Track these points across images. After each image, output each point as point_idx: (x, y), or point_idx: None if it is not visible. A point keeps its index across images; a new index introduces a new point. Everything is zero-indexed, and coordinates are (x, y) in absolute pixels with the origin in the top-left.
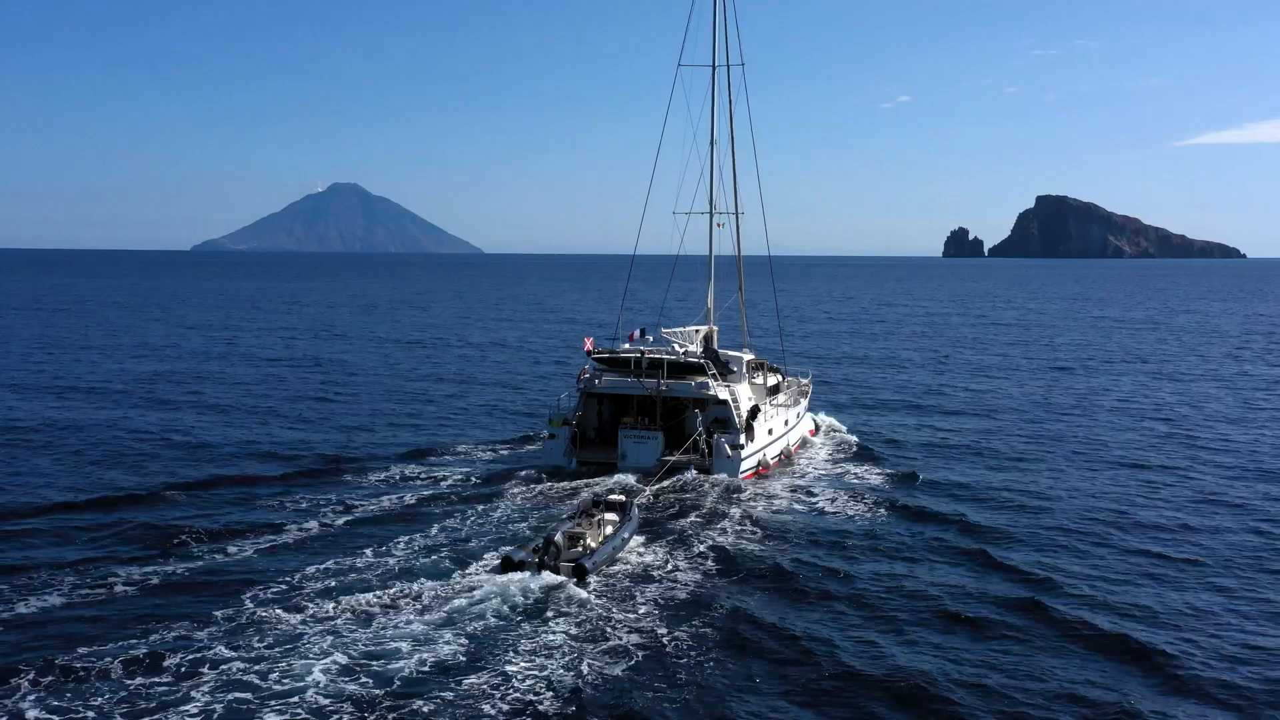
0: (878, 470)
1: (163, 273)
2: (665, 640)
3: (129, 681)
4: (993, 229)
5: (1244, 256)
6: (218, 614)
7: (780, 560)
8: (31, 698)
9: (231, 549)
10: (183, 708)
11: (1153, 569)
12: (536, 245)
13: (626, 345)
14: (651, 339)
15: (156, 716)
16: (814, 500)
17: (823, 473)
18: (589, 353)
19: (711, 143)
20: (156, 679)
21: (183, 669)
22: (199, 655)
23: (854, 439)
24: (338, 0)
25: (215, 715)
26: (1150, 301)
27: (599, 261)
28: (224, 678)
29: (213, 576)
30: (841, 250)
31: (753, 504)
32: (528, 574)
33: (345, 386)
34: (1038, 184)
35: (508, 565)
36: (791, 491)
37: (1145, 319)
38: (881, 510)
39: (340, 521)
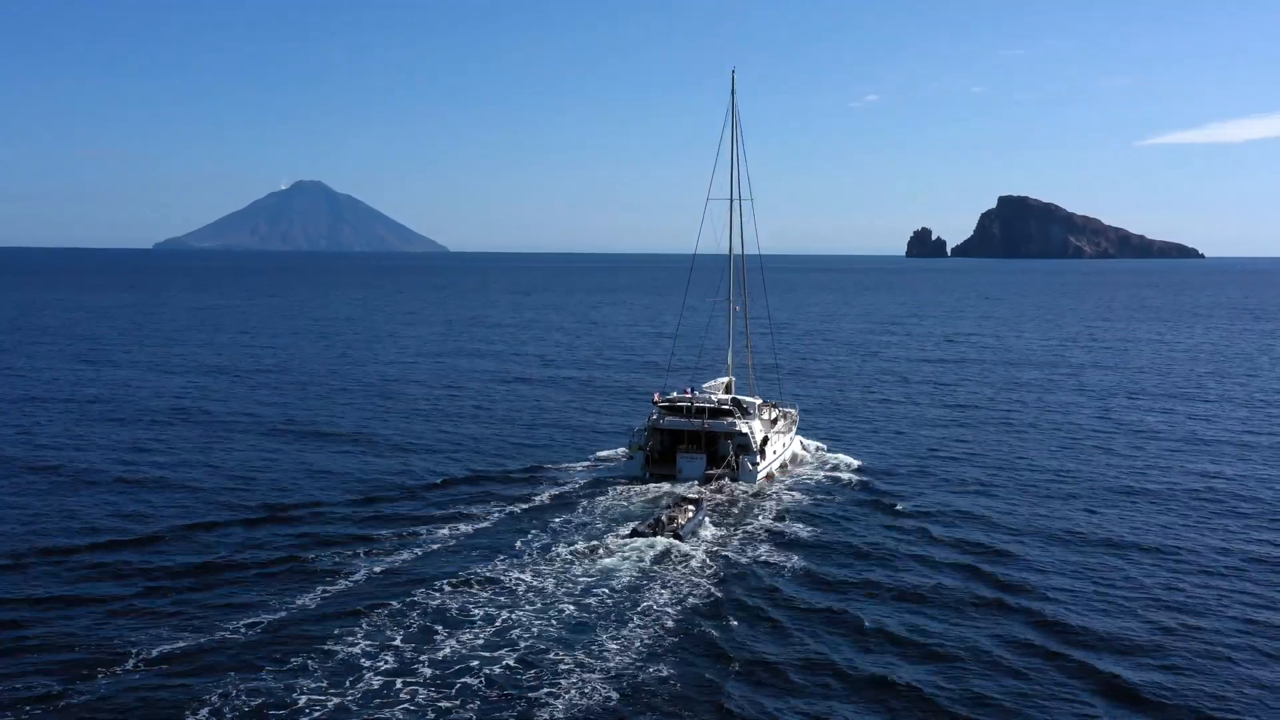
0: (848, 471)
1: (168, 279)
2: (729, 583)
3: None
4: (956, 229)
5: (1202, 256)
6: (470, 572)
7: (793, 533)
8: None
9: (437, 542)
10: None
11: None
12: (502, 244)
13: (675, 393)
14: (697, 392)
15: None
16: (808, 495)
17: (811, 477)
18: (655, 402)
19: (730, 253)
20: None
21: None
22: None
23: (826, 450)
24: None
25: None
26: (1073, 326)
27: (572, 260)
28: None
29: (443, 551)
30: (806, 249)
31: (769, 501)
32: (648, 538)
33: (457, 408)
34: (1002, 184)
35: (634, 534)
36: (791, 492)
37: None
38: (853, 497)
39: (506, 514)
